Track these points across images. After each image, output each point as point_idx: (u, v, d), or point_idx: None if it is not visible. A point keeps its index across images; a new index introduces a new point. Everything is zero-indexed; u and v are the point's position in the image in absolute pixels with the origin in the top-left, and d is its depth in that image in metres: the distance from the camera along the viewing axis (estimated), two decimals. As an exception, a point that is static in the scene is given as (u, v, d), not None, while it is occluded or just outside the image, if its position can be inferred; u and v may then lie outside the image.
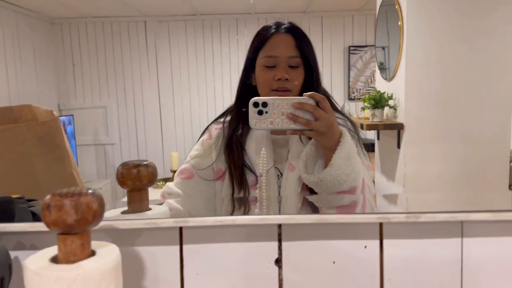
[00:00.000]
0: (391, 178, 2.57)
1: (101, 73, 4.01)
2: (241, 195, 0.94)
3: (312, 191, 0.88)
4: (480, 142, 2.28)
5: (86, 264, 0.40)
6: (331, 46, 4.26)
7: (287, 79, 0.91)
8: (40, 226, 0.54)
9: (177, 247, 0.56)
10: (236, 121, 0.99)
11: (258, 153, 0.94)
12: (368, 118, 2.55)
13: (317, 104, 0.76)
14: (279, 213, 0.93)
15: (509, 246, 0.56)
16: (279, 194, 0.93)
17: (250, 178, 0.94)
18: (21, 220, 0.60)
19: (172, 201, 0.91)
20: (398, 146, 2.42)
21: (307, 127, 0.76)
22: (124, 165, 0.59)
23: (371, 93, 2.49)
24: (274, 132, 0.97)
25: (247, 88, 0.99)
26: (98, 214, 0.41)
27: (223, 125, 1.01)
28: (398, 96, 2.42)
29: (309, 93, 0.77)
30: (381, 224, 0.55)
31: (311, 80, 0.94)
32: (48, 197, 0.40)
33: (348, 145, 0.80)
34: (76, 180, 0.87)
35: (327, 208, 0.86)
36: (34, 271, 0.39)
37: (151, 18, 4.01)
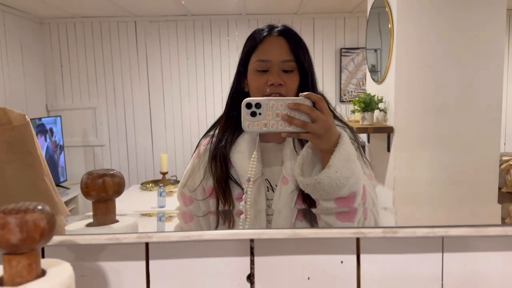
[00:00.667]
0: (381, 181, 2.56)
1: (90, 74, 3.96)
2: (226, 208, 0.90)
3: (308, 204, 0.84)
4: (470, 146, 2.27)
5: (33, 287, 0.37)
6: (322, 48, 4.25)
7: (280, 84, 0.86)
8: None
9: (143, 263, 0.53)
10: (224, 130, 0.95)
11: (245, 163, 0.88)
12: (358, 121, 2.53)
13: (314, 105, 0.72)
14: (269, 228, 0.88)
15: (491, 261, 0.54)
16: (268, 206, 0.89)
17: (235, 191, 0.90)
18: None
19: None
20: (388, 150, 2.41)
21: (304, 129, 0.72)
22: (89, 174, 0.56)
23: (361, 96, 2.48)
24: (267, 139, 0.93)
25: (239, 95, 0.94)
26: (46, 232, 0.38)
27: (211, 140, 0.96)
28: (388, 99, 2.41)
29: (305, 93, 0.73)
30: (358, 239, 0.52)
31: (307, 85, 0.90)
32: (-10, 214, 0.37)
33: (347, 147, 0.75)
34: (48, 187, 0.83)
35: (325, 215, 0.80)
36: (-26, 295, 0.36)
37: (141, 18, 3.97)
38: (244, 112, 0.72)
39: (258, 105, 0.72)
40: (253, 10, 3.97)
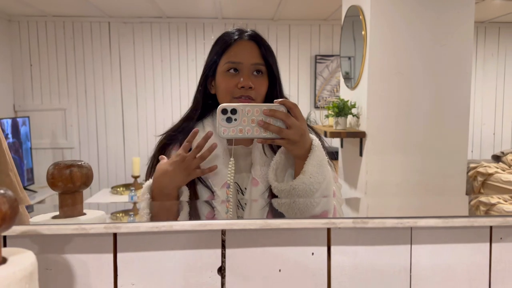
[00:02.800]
0: (353, 185, 2.59)
1: (61, 74, 3.86)
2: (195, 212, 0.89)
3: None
4: (439, 152, 2.33)
5: (-9, 274, 0.35)
6: (298, 54, 4.29)
7: (250, 87, 0.87)
8: None
9: (111, 255, 0.52)
10: (187, 133, 0.91)
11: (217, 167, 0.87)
12: (332, 126, 2.57)
13: (288, 111, 0.73)
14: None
15: (457, 252, 0.55)
16: (239, 208, 0.89)
17: (205, 194, 0.88)
18: None
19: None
20: (361, 154, 2.45)
21: (279, 135, 0.72)
22: (56, 165, 0.54)
23: (335, 101, 2.51)
24: (232, 142, 0.91)
25: (205, 97, 0.94)
26: (8, 217, 0.36)
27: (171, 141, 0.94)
28: (361, 105, 2.45)
29: (280, 99, 0.74)
30: (328, 230, 0.53)
31: (274, 90, 0.91)
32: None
33: (319, 153, 0.77)
34: (13, 182, 0.80)
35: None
36: None
37: (115, 19, 3.91)
38: (220, 118, 0.72)
39: (234, 111, 0.72)
40: (229, 14, 3.98)
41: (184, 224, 0.50)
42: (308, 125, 0.95)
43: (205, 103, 0.94)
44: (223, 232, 0.52)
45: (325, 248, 0.53)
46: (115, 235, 0.51)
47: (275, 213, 0.84)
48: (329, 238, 0.53)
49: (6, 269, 0.36)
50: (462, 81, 2.34)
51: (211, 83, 0.93)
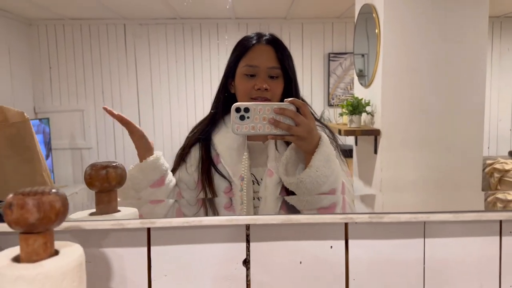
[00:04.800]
0: (368, 183, 2.61)
1: (79, 76, 3.95)
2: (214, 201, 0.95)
3: (291, 195, 0.90)
4: (454, 148, 2.34)
5: (47, 263, 0.40)
6: (311, 52, 4.31)
7: (266, 89, 0.93)
8: (3, 227, 0.53)
9: (145, 249, 0.56)
10: (210, 127, 1.01)
11: (233, 160, 0.95)
12: (346, 124, 2.59)
13: (298, 110, 0.78)
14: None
15: (469, 246, 0.58)
16: (254, 199, 0.94)
17: (223, 184, 0.95)
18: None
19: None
20: (375, 152, 2.46)
21: (288, 132, 0.77)
22: (93, 166, 0.59)
23: (349, 100, 2.53)
24: (251, 138, 0.98)
25: (225, 96, 1.01)
26: (61, 213, 0.41)
27: (200, 135, 1.02)
28: (375, 103, 2.47)
29: (290, 99, 0.79)
30: (346, 225, 0.56)
31: (290, 91, 0.97)
32: (10, 195, 0.40)
33: (326, 148, 0.82)
34: (46, 182, 0.85)
35: (308, 211, 0.87)
36: (-6, 270, 0.39)
37: (131, 21, 3.98)
38: (233, 116, 0.77)
39: (246, 110, 0.77)
40: (242, 14, 4.02)
41: (212, 220, 0.55)
42: (322, 123, 1.01)
43: (226, 101, 1.00)
44: (247, 226, 0.56)
45: (343, 242, 0.56)
46: (148, 229, 0.56)
47: (287, 203, 0.90)
48: (346, 232, 0.56)
49: (60, 260, 0.41)
50: (477, 77, 2.33)
51: (231, 84, 1.00)
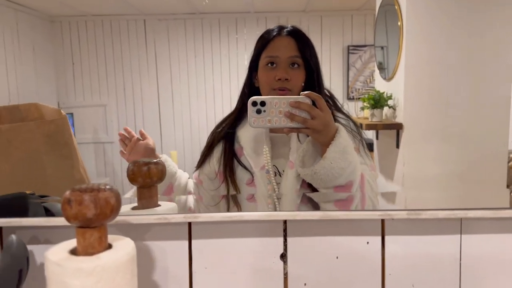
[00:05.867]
0: (389, 177, 2.60)
1: (101, 72, 4.02)
2: (236, 193, 0.97)
3: (312, 188, 0.91)
4: (478, 142, 2.30)
5: (104, 256, 0.42)
6: (330, 45, 4.27)
7: (287, 79, 0.92)
8: (54, 221, 0.56)
9: (186, 242, 0.58)
10: (235, 121, 1.02)
11: (255, 151, 0.96)
12: (367, 118, 2.57)
13: (314, 103, 0.78)
14: (276, 209, 0.95)
15: (506, 243, 0.58)
16: (275, 191, 0.95)
17: (245, 176, 0.96)
18: (34, 215, 0.62)
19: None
20: (397, 146, 2.45)
21: (304, 125, 0.78)
22: (135, 163, 0.61)
23: (370, 93, 2.51)
24: (274, 130, 0.99)
25: (250, 89, 1.01)
26: (115, 209, 0.43)
27: (225, 128, 1.03)
28: (397, 96, 2.44)
29: (306, 92, 0.79)
30: (383, 221, 0.57)
31: (312, 82, 0.96)
32: (68, 192, 0.42)
33: (343, 140, 0.81)
34: (83, 178, 0.89)
35: (324, 203, 0.88)
36: (56, 262, 0.41)
37: (151, 17, 4.02)
38: (250, 110, 0.79)
39: (262, 103, 0.78)
40: (261, 8, 4.01)
41: (252, 215, 0.56)
42: (347, 115, 1.00)
43: (250, 95, 1.01)
44: (285, 222, 0.58)
45: (380, 238, 0.57)
46: (189, 223, 0.58)
47: (308, 187, 0.91)
48: (383, 228, 0.57)
49: (115, 253, 0.43)
50: (503, 70, 2.28)
51: (255, 77, 1.00)
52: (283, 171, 0.96)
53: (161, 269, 0.58)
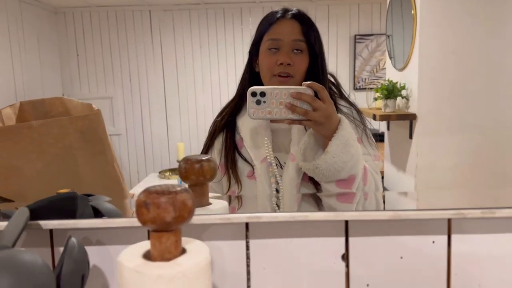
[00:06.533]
0: (401, 168, 2.58)
1: (106, 63, 3.98)
2: (236, 187, 0.94)
3: (313, 181, 0.89)
4: (493, 133, 2.28)
5: (184, 262, 0.40)
6: (337, 34, 4.24)
7: (289, 64, 0.88)
8: (113, 222, 0.53)
9: (244, 242, 0.56)
10: (235, 109, 0.98)
11: (256, 143, 0.93)
12: (380, 109, 2.55)
13: (316, 94, 0.75)
14: (279, 204, 0.94)
15: None
16: (277, 183, 0.93)
17: (246, 169, 0.94)
18: (82, 215, 0.59)
19: None
20: (410, 137, 2.43)
21: (305, 117, 0.75)
22: (187, 160, 0.59)
23: (383, 84, 2.49)
24: (273, 120, 0.95)
25: (251, 75, 0.97)
26: (192, 211, 0.41)
27: (225, 119, 1.00)
28: (411, 86, 2.42)
29: (308, 82, 0.76)
30: (449, 219, 0.55)
31: (316, 68, 0.92)
32: (142, 194, 0.40)
33: (345, 133, 0.79)
34: (117, 174, 0.86)
35: (327, 197, 0.85)
36: (134, 269, 0.39)
37: (156, 7, 3.97)
38: (250, 100, 0.76)
39: (262, 94, 0.75)
40: (268, -2, 3.96)
41: (317, 215, 0.54)
42: (350, 103, 0.96)
43: (251, 81, 0.96)
44: (346, 222, 0.56)
45: (446, 237, 0.55)
46: (247, 223, 0.56)
47: (309, 180, 0.89)
48: (449, 227, 0.55)
49: (193, 258, 0.41)
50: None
51: (256, 62, 0.95)
52: (285, 163, 0.93)
53: (219, 270, 0.56)
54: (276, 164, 0.94)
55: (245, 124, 0.95)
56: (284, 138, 0.94)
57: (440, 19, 2.26)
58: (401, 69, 2.53)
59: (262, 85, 0.78)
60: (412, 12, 2.33)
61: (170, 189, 0.40)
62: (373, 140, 0.98)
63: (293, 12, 0.92)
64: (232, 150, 0.95)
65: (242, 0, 4.05)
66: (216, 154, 0.98)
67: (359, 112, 0.96)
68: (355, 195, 0.83)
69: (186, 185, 0.59)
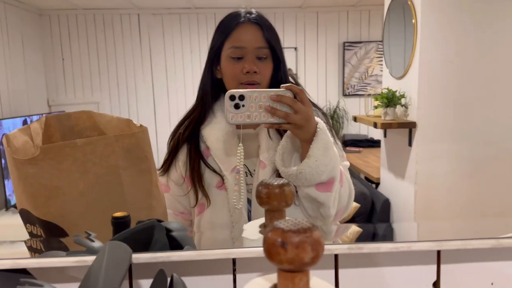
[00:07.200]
0: (400, 175, 2.61)
1: (93, 68, 3.87)
2: (204, 198, 0.92)
3: None
4: (492, 141, 2.33)
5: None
6: (326, 41, 4.27)
7: (255, 72, 0.87)
8: (205, 255, 0.50)
9: (332, 271, 0.54)
10: (199, 119, 0.94)
11: (225, 152, 0.91)
12: (379, 116, 2.57)
13: (295, 96, 0.75)
14: (249, 209, 0.91)
15: None
16: (248, 191, 0.91)
17: (214, 179, 0.91)
18: (155, 243, 0.56)
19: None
20: (410, 144, 2.46)
21: (286, 120, 0.74)
22: (267, 185, 0.56)
23: (383, 92, 2.51)
24: (241, 126, 0.91)
25: (212, 82, 0.94)
26: (324, 249, 0.38)
27: (186, 130, 0.96)
28: (410, 95, 2.45)
29: (287, 84, 0.75)
30: (541, 243, 0.54)
31: (279, 72, 0.91)
32: (274, 232, 0.37)
33: (325, 136, 0.79)
34: (160, 194, 0.83)
35: (306, 187, 0.82)
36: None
37: (145, 11, 3.90)
38: (228, 104, 0.74)
39: (241, 97, 0.74)
40: (257, 4, 3.95)
41: (416, 245, 0.52)
42: (315, 105, 0.94)
43: (212, 88, 0.94)
44: (438, 252, 0.54)
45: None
46: (336, 255, 0.53)
47: None
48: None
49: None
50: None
51: (217, 68, 0.93)
52: (254, 170, 0.91)
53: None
54: (246, 172, 0.92)
55: (210, 133, 0.92)
56: (252, 144, 0.92)
57: (441, 28, 2.31)
58: (400, 77, 2.57)
59: (225, 91, 0.75)
60: (413, 21, 2.36)
61: (304, 226, 0.37)
62: (339, 140, 0.97)
63: (254, 16, 0.90)
64: (197, 161, 0.92)
65: (233, 5, 4.00)
66: (182, 166, 0.94)
67: (324, 113, 0.96)
68: (333, 184, 0.82)
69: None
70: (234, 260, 0.52)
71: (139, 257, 0.48)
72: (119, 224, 0.60)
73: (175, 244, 0.57)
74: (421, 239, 0.55)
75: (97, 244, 0.51)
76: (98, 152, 0.76)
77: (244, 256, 0.51)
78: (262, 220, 0.60)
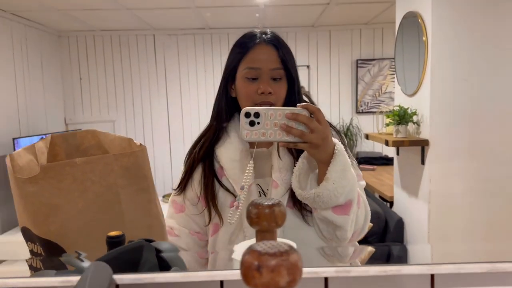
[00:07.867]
0: (413, 194, 2.56)
1: (109, 87, 3.96)
2: (217, 218, 0.92)
3: (297, 207, 0.86)
4: (507, 159, 2.28)
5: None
6: (339, 59, 4.28)
7: (270, 93, 0.87)
8: (192, 276, 0.50)
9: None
10: (213, 139, 0.95)
11: (237, 171, 0.90)
12: (391, 134, 2.54)
13: (311, 115, 0.74)
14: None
15: None
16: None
17: (228, 199, 0.91)
18: (144, 264, 0.56)
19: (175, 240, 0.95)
20: (422, 162, 2.42)
21: (301, 139, 0.73)
22: (257, 205, 0.56)
23: (394, 109, 2.49)
24: (252, 145, 0.90)
25: (227, 101, 0.94)
26: (301, 273, 0.37)
27: (201, 149, 0.96)
28: (422, 112, 2.42)
29: (303, 104, 0.75)
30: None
31: (293, 93, 0.91)
32: (250, 256, 0.37)
33: (343, 157, 0.77)
34: (159, 213, 0.83)
35: (322, 210, 0.81)
36: None
37: (160, 32, 3.99)
38: (243, 122, 0.73)
39: (256, 115, 0.73)
40: (270, 23, 4.00)
41: (411, 268, 0.51)
42: (331, 124, 0.92)
43: (227, 107, 0.94)
44: (432, 275, 0.53)
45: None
46: (326, 278, 0.52)
47: (294, 200, 0.86)
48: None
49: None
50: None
51: (232, 87, 0.94)
52: (267, 190, 0.90)
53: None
54: (260, 192, 0.91)
55: (224, 152, 0.92)
56: (265, 163, 0.92)
57: (452, 45, 2.29)
58: (412, 95, 2.54)
59: (239, 111, 0.75)
60: (424, 38, 2.35)
61: (281, 249, 0.37)
62: (354, 159, 0.96)
63: (269, 36, 0.91)
64: (211, 180, 0.92)
65: (246, 25, 4.06)
66: (197, 185, 0.94)
67: (338, 132, 0.95)
68: (351, 207, 0.80)
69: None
70: (222, 283, 0.51)
71: (123, 278, 0.48)
72: (114, 244, 0.61)
73: (166, 265, 0.57)
74: (417, 262, 0.53)
75: (86, 263, 0.51)
76: (97, 171, 0.77)
77: (231, 279, 0.51)
78: (253, 241, 0.60)
